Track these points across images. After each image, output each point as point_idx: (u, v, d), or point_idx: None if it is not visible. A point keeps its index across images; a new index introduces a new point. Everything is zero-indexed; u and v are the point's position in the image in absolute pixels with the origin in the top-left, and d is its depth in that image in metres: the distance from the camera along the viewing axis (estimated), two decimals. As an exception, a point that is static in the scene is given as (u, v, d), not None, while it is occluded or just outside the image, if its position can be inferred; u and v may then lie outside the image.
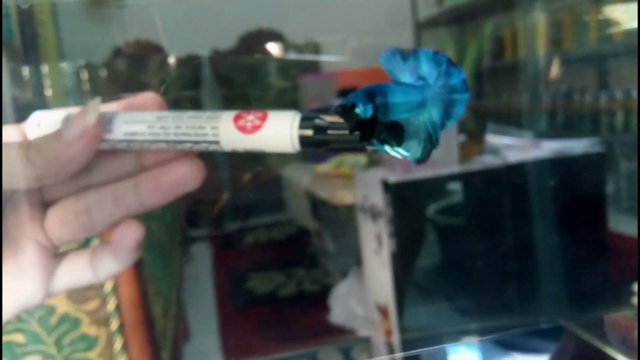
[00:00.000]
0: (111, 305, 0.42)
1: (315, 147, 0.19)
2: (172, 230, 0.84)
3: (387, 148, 0.18)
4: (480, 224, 0.68)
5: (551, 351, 0.57)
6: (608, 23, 1.06)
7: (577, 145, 0.72)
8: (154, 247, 0.69)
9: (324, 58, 1.54)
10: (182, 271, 0.99)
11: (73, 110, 0.21)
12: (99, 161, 0.21)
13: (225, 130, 0.20)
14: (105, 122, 0.21)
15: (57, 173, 0.20)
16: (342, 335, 0.85)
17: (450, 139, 0.66)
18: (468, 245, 0.68)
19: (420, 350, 0.54)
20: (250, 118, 0.20)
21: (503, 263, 0.67)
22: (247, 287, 1.15)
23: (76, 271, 0.22)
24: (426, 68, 0.18)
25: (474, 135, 0.73)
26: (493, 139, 0.75)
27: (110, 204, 0.21)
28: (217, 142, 0.20)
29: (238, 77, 1.57)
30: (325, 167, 0.91)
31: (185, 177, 0.21)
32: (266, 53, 1.66)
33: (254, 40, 1.59)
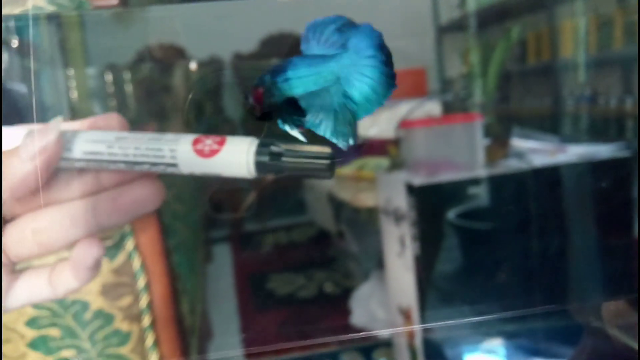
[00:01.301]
0: (144, 301, 0.43)
1: (271, 172, 0.19)
2: (197, 230, 0.85)
3: (289, 126, 0.17)
4: (506, 227, 0.68)
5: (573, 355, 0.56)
6: (634, 26, 1.04)
7: (603, 150, 0.71)
8: (179, 247, 0.70)
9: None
10: (206, 271, 1.00)
11: (35, 127, 0.21)
12: (58, 179, 0.21)
13: (183, 154, 0.20)
14: (65, 140, 0.20)
15: (13, 189, 0.20)
16: (364, 337, 0.85)
17: (476, 142, 0.66)
18: (492, 249, 0.68)
19: (442, 323, 0.54)
20: (209, 142, 0.20)
21: (527, 267, 0.67)
22: (268, 288, 1.16)
23: (34, 287, 0.22)
24: (361, 42, 0.17)
25: (498, 139, 0.73)
26: (518, 142, 0.75)
27: (68, 223, 0.21)
28: (174, 165, 0.20)
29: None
30: (347, 170, 0.91)
31: (143, 199, 0.21)
32: (287, 56, 1.66)
33: (275, 44, 1.60)
